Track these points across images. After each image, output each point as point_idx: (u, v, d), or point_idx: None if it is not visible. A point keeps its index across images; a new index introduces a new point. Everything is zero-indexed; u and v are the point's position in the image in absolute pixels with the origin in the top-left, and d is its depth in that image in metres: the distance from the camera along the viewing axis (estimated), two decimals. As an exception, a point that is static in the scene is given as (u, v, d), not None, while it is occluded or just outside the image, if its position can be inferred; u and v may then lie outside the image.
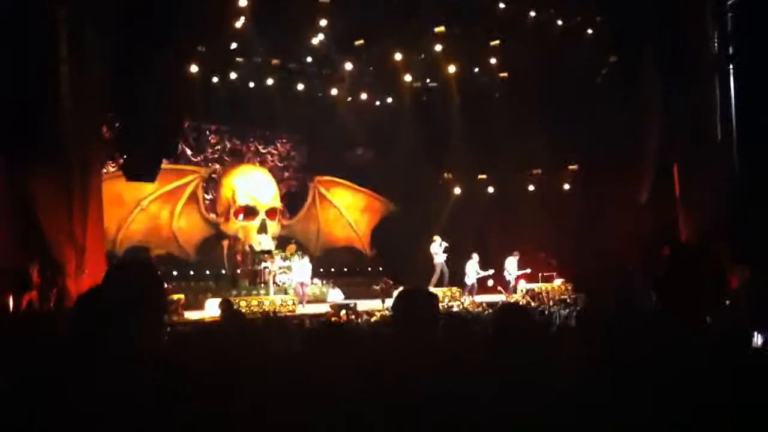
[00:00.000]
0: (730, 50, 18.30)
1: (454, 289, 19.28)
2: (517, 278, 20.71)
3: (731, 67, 18.30)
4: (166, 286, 15.57)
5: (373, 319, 14.55)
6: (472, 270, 20.03)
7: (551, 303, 17.54)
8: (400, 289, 4.78)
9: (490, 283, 21.23)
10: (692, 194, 17.92)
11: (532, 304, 17.75)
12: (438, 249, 19.86)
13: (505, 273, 20.68)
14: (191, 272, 19.62)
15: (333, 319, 15.18)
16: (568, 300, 17.56)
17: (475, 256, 20.15)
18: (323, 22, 17.37)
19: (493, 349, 3.47)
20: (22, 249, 13.70)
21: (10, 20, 12.90)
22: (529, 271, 20.76)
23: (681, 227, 18.36)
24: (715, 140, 18.10)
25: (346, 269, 22.06)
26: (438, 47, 18.79)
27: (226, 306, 13.29)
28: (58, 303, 13.83)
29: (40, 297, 13.90)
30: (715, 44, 18.22)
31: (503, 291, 20.21)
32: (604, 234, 18.87)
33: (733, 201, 17.30)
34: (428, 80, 21.86)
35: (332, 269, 21.91)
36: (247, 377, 3.28)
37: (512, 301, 17.97)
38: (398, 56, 19.24)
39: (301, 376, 3.17)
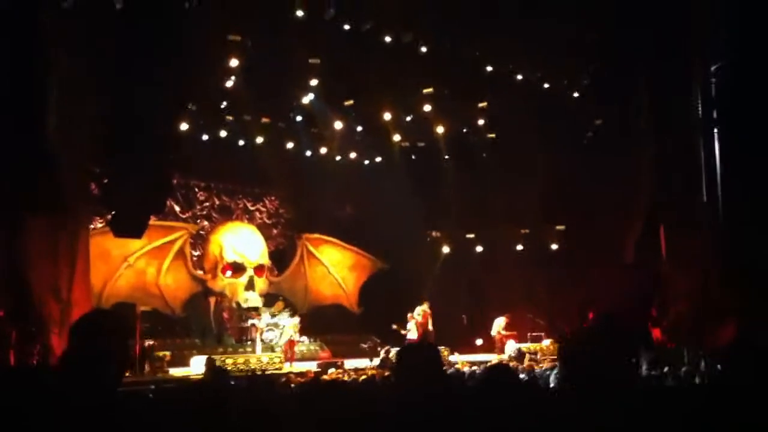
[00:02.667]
0: (714, 114, 18.61)
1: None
2: (504, 337, 20.73)
3: (715, 130, 18.59)
4: (145, 339, 15.40)
5: (361, 378, 14.38)
6: (501, 327, 20.61)
7: (538, 363, 17.41)
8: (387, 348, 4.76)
9: (479, 341, 21.19)
10: (679, 254, 18.01)
11: (520, 366, 17.64)
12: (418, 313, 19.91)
13: (493, 333, 20.73)
14: (177, 329, 19.43)
15: (322, 377, 15.04)
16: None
17: (507, 319, 20.69)
18: (313, 82, 17.57)
19: (480, 407, 3.45)
20: (4, 306, 13.57)
21: (4, 68, 12.96)
22: (514, 333, 20.77)
23: (667, 287, 18.41)
24: (701, 201, 18.28)
25: (333, 327, 21.87)
26: (427, 107, 19.01)
27: (211, 364, 13.18)
28: (41, 359, 13.65)
29: (20, 353, 13.70)
30: (699, 107, 18.54)
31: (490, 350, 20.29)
32: (590, 294, 18.89)
33: (719, 261, 17.39)
34: (417, 140, 22.05)
35: (319, 327, 21.76)
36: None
37: (501, 361, 17.89)
38: (387, 116, 19.46)
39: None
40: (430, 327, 19.97)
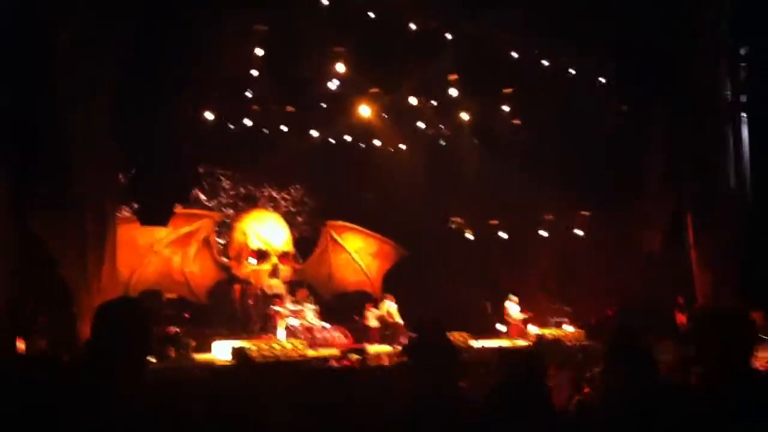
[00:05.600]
0: (743, 99, 18.38)
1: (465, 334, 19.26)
2: (523, 321, 20.81)
3: (744, 115, 18.38)
4: (168, 326, 15.58)
5: (385, 363, 14.49)
6: (515, 312, 20.73)
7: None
8: (410, 335, 4.79)
9: (503, 328, 21.20)
10: (706, 242, 17.86)
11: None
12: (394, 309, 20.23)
13: (506, 317, 20.83)
14: (203, 316, 19.58)
15: (344, 362, 15.16)
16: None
17: (514, 298, 20.85)
18: (338, 70, 17.58)
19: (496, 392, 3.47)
20: (36, 296, 13.81)
21: (25, 67, 13.09)
22: (530, 315, 20.82)
23: (695, 276, 18.28)
24: (729, 188, 18.10)
25: (356, 314, 21.93)
26: (452, 94, 18.95)
27: (238, 353, 13.31)
28: (73, 350, 13.86)
29: (51, 343, 13.95)
30: (728, 93, 18.32)
31: (508, 335, 20.38)
32: (616, 282, 18.83)
33: (747, 249, 17.24)
34: (441, 126, 22.01)
35: (342, 313, 21.85)
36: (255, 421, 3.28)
37: (517, 346, 18.04)
38: (413, 102, 19.45)
39: (310, 420, 3.17)
40: (399, 320, 20.12)
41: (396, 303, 20.47)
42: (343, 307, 21.86)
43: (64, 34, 13.15)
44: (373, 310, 20.48)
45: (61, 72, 13.16)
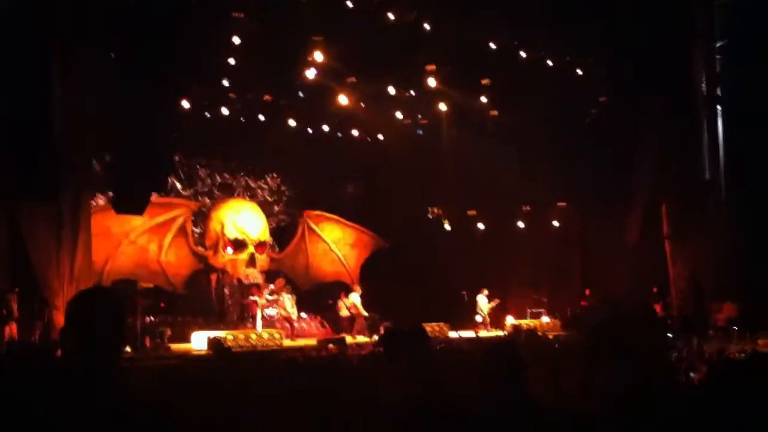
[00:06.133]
0: (718, 91, 18.54)
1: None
2: (496, 309, 21.14)
3: (719, 107, 18.54)
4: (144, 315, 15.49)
5: (363, 352, 14.46)
6: (485, 304, 21.00)
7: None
8: (386, 325, 4.78)
9: (479, 318, 21.33)
10: (681, 231, 18.04)
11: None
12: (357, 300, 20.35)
13: (478, 310, 21.03)
14: (179, 305, 19.48)
15: (322, 353, 15.12)
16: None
17: (485, 292, 21.15)
18: (315, 59, 17.49)
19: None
20: (6, 280, 13.70)
21: (2, 59, 12.96)
22: (497, 301, 21.31)
23: (670, 264, 18.46)
24: (703, 179, 18.26)
25: (334, 304, 21.93)
26: (430, 84, 18.93)
27: (214, 343, 13.25)
28: (44, 336, 13.76)
29: (22, 329, 13.85)
30: (704, 85, 18.46)
31: (477, 329, 20.55)
32: (593, 271, 18.97)
33: (721, 238, 17.43)
34: (419, 116, 21.99)
35: (320, 304, 21.84)
36: (234, 412, 3.25)
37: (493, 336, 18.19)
38: (390, 91, 19.43)
39: (289, 410, 3.15)
40: (363, 312, 20.24)
41: (361, 295, 20.57)
42: (320, 296, 21.86)
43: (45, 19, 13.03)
44: (345, 300, 20.56)
45: (41, 57, 13.02)
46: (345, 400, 3.18)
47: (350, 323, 20.19)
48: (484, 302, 21.32)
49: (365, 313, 20.18)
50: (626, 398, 2.70)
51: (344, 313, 20.37)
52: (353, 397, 3.29)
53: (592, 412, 2.80)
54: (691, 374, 7.11)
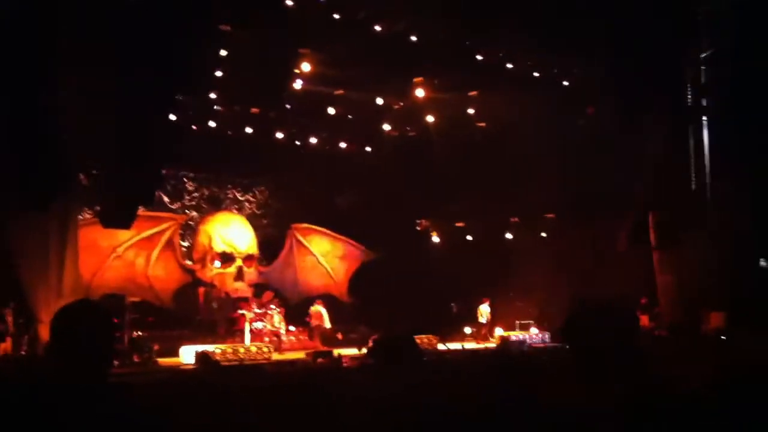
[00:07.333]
0: (704, 102, 18.65)
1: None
2: (491, 323, 21.27)
3: (704, 118, 18.64)
4: (134, 330, 15.40)
5: (351, 365, 14.39)
6: (486, 313, 21.66)
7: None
8: (375, 337, 4.77)
9: (467, 330, 21.34)
10: (668, 242, 18.10)
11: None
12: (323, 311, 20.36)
13: (480, 319, 21.14)
14: (167, 319, 19.37)
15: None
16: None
17: (488, 301, 21.73)
18: (303, 70, 17.47)
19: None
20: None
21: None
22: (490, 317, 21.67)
23: (657, 274, 18.51)
24: (690, 189, 18.34)
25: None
26: (418, 95, 18.92)
27: (202, 357, 13.16)
28: (31, 349, 13.67)
29: (11, 343, 13.77)
30: (689, 96, 18.57)
31: (476, 338, 20.58)
32: (582, 282, 18.96)
33: (708, 247, 17.47)
34: (407, 128, 22.01)
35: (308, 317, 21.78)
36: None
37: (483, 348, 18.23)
38: (378, 101, 19.47)
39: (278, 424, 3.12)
40: (327, 325, 20.26)
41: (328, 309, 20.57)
42: (308, 310, 21.79)
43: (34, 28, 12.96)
44: (311, 308, 20.57)
45: (30, 69, 12.94)
46: (337, 404, 3.15)
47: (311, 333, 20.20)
48: (486, 311, 21.73)
49: (329, 325, 20.18)
50: (625, 399, 2.70)
51: (315, 322, 20.28)
52: (345, 400, 3.27)
53: (591, 413, 2.79)
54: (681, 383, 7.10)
